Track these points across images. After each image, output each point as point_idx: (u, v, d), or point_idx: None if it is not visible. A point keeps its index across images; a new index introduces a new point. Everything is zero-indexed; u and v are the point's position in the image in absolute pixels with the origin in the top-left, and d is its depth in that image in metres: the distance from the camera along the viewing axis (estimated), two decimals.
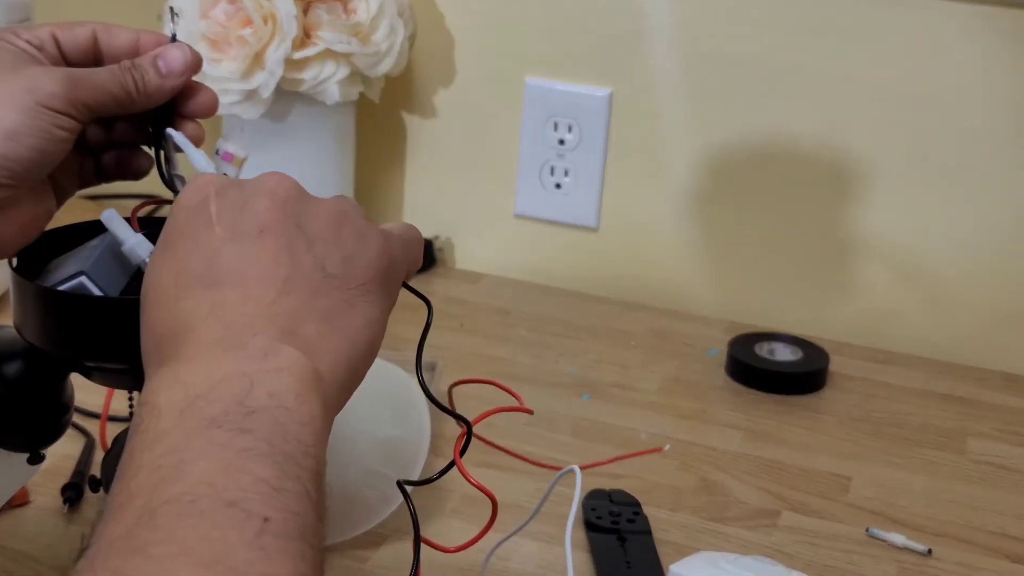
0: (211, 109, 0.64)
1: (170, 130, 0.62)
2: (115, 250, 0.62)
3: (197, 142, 0.64)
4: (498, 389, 0.66)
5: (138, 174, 0.65)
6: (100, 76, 0.60)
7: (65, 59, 0.62)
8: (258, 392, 0.45)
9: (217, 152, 0.64)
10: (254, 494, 0.41)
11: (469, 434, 0.60)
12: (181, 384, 0.46)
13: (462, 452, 0.60)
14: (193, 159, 0.62)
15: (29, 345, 0.64)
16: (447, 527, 0.81)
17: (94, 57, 0.62)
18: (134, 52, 0.62)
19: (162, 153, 0.63)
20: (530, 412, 0.66)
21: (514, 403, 0.65)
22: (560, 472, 0.69)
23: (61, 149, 0.59)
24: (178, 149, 0.63)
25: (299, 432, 0.45)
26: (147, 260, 0.61)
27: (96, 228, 0.65)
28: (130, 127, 0.64)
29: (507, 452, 0.88)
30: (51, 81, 0.58)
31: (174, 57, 0.61)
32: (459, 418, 0.61)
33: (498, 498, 0.62)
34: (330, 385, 0.48)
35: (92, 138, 0.65)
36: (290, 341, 0.48)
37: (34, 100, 0.57)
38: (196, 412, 0.44)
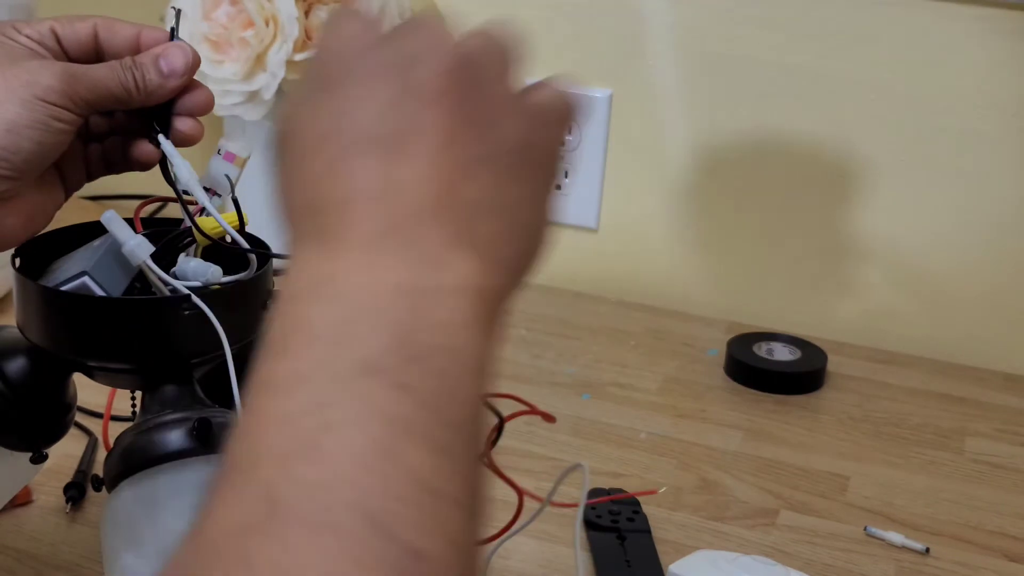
0: (207, 106, 0.63)
1: (161, 137, 0.62)
2: (117, 250, 0.62)
3: (194, 140, 0.64)
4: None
5: (145, 164, 0.65)
6: (99, 72, 0.60)
7: (65, 53, 0.62)
8: (425, 322, 0.38)
9: (219, 151, 0.64)
10: (405, 507, 0.33)
11: (501, 428, 0.60)
12: (339, 298, 0.38)
13: (493, 444, 0.59)
14: (177, 168, 0.62)
15: (32, 345, 0.64)
16: None
17: (95, 52, 0.62)
18: (135, 48, 0.62)
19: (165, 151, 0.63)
20: (552, 420, 0.66)
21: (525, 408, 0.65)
22: (567, 469, 0.69)
23: (60, 141, 0.59)
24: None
25: (466, 385, 0.38)
26: (147, 261, 0.61)
27: (98, 228, 0.65)
28: (133, 116, 0.64)
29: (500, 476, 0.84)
30: (49, 75, 0.58)
31: (175, 57, 0.61)
32: (492, 410, 0.60)
33: (497, 497, 0.62)
34: (498, 296, 0.42)
35: (95, 127, 0.65)
36: (468, 242, 0.41)
37: (32, 94, 0.58)
38: (351, 346, 0.37)
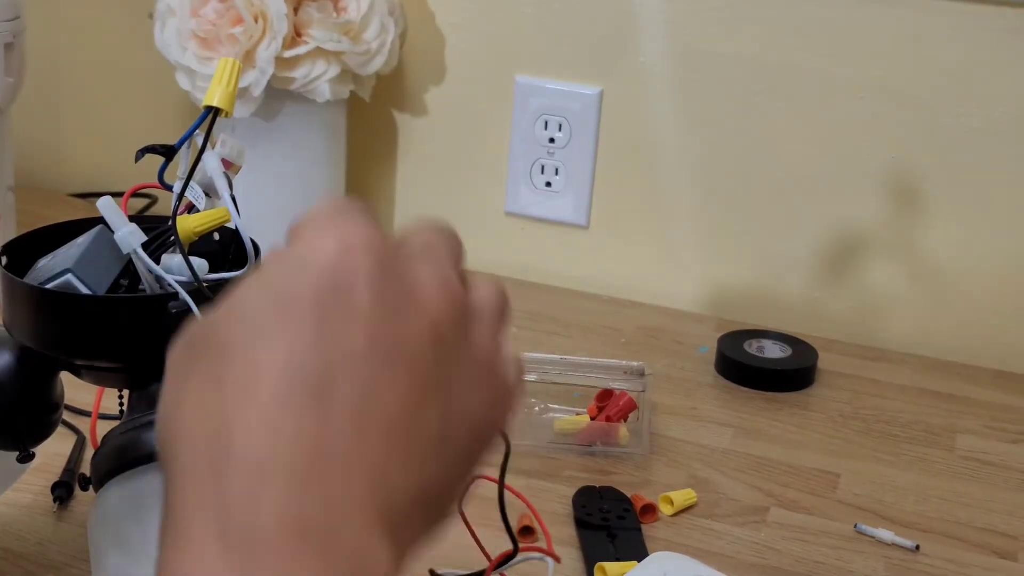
0: None
1: (212, 163, 0.62)
2: (102, 245, 0.62)
3: None
4: None
5: None
6: None
7: None
8: None
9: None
10: None
11: (508, 452, 0.61)
12: None
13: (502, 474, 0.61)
14: (205, 158, 0.62)
15: (18, 343, 0.64)
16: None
17: None
18: None
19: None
20: (558, 559, 0.70)
21: None
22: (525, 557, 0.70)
23: None
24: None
25: None
26: (138, 250, 0.61)
27: (85, 226, 0.65)
28: None
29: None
30: None
31: None
32: (512, 536, 0.62)
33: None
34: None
35: None
36: (386, 535, 0.35)
37: None
38: None
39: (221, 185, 0.62)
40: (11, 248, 0.65)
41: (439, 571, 0.71)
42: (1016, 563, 0.83)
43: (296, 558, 0.33)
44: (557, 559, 0.70)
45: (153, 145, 0.63)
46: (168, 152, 0.62)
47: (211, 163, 0.62)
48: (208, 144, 0.62)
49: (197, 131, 0.62)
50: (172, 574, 0.33)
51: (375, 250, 0.37)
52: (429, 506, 0.37)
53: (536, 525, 0.82)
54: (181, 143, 0.62)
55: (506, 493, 0.64)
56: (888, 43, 1.10)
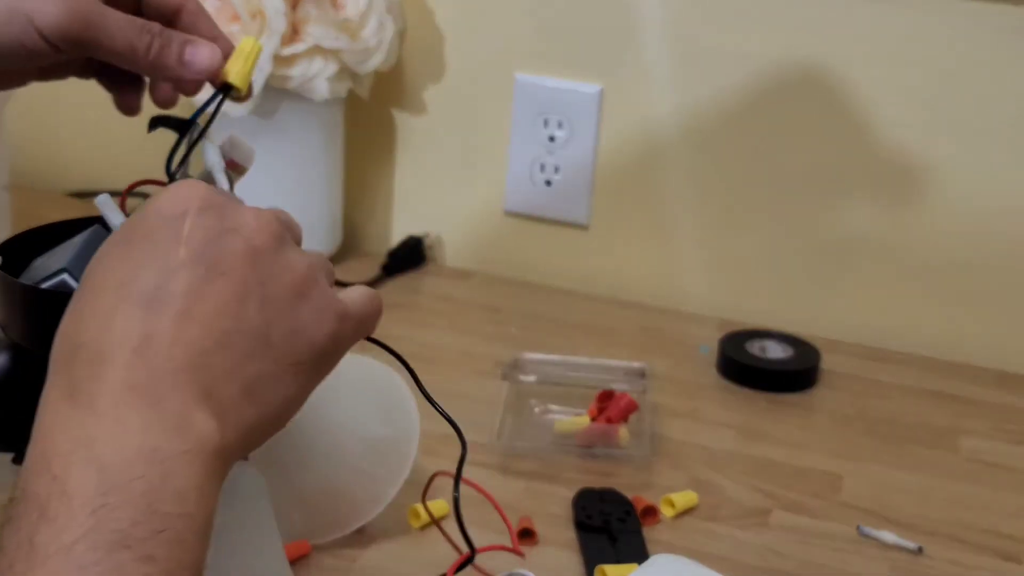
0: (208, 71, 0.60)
1: (209, 144, 0.61)
2: (99, 245, 0.61)
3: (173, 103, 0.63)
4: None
5: (127, 110, 0.63)
6: (115, 22, 0.57)
7: None
8: (167, 491, 0.44)
9: (223, 157, 0.63)
10: None
11: (471, 558, 0.62)
12: (95, 463, 0.43)
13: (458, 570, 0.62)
14: (206, 151, 0.61)
15: (14, 344, 0.63)
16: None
17: (137, 6, 0.60)
18: (175, 14, 0.60)
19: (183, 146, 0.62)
20: (522, 555, 0.69)
21: None
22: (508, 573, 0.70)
23: (26, 59, 0.57)
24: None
25: (195, 547, 0.44)
26: None
27: (81, 225, 0.64)
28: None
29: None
30: (55, 4, 0.55)
31: (202, 54, 0.59)
32: (467, 540, 0.63)
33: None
34: (229, 457, 0.47)
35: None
36: (206, 403, 0.46)
37: (27, 13, 0.55)
38: (108, 517, 0.42)
39: (220, 179, 0.61)
40: (7, 248, 0.64)
41: None
42: (1020, 565, 0.83)
43: (126, 409, 0.44)
44: (521, 554, 0.69)
45: (167, 116, 0.62)
46: (181, 126, 0.61)
47: (211, 158, 0.61)
48: (208, 133, 0.61)
49: (207, 112, 0.61)
50: (35, 428, 0.46)
51: (202, 196, 0.49)
52: (255, 397, 0.48)
53: (534, 528, 0.81)
54: (194, 118, 0.61)
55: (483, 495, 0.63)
56: (888, 43, 1.10)
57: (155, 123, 0.62)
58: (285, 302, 0.49)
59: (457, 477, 0.63)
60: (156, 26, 0.58)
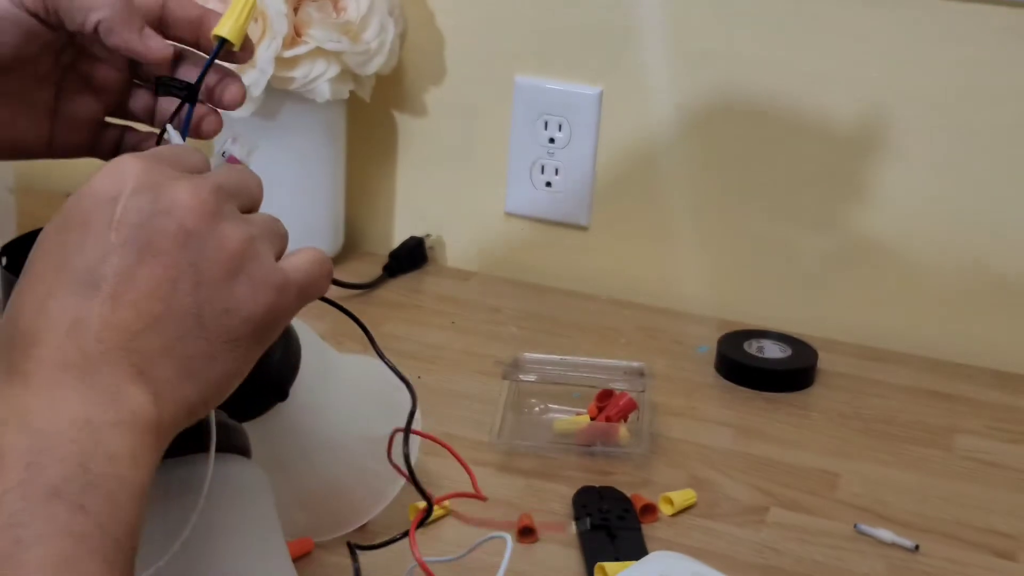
0: (238, 101, 0.62)
1: (169, 127, 0.61)
2: None
3: (212, 135, 0.63)
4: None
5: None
6: None
7: None
8: (99, 453, 0.45)
9: (223, 154, 0.64)
10: None
11: (429, 511, 0.61)
12: (28, 430, 0.45)
13: (420, 524, 0.62)
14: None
15: None
16: None
17: (158, 21, 0.61)
18: (197, 28, 0.61)
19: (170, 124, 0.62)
20: (484, 499, 0.69)
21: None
22: (485, 538, 0.69)
23: (15, 44, 0.58)
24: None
25: (128, 507, 0.45)
26: None
27: None
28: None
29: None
30: None
31: (159, 41, 0.59)
32: (422, 493, 0.62)
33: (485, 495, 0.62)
34: (166, 430, 0.48)
35: (106, 78, 0.64)
36: (140, 381, 0.47)
37: None
38: (40, 473, 0.44)
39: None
40: (11, 249, 0.65)
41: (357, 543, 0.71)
42: (1016, 563, 0.83)
43: (60, 386, 0.46)
44: (483, 498, 0.69)
45: (172, 78, 0.62)
46: (187, 90, 0.62)
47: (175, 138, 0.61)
48: (177, 120, 0.62)
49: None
50: None
51: (136, 175, 0.49)
52: (192, 375, 0.49)
53: (535, 525, 0.82)
54: (199, 82, 0.62)
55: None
56: (888, 43, 1.10)
57: (160, 84, 0.63)
58: (218, 281, 0.49)
59: (407, 431, 0.63)
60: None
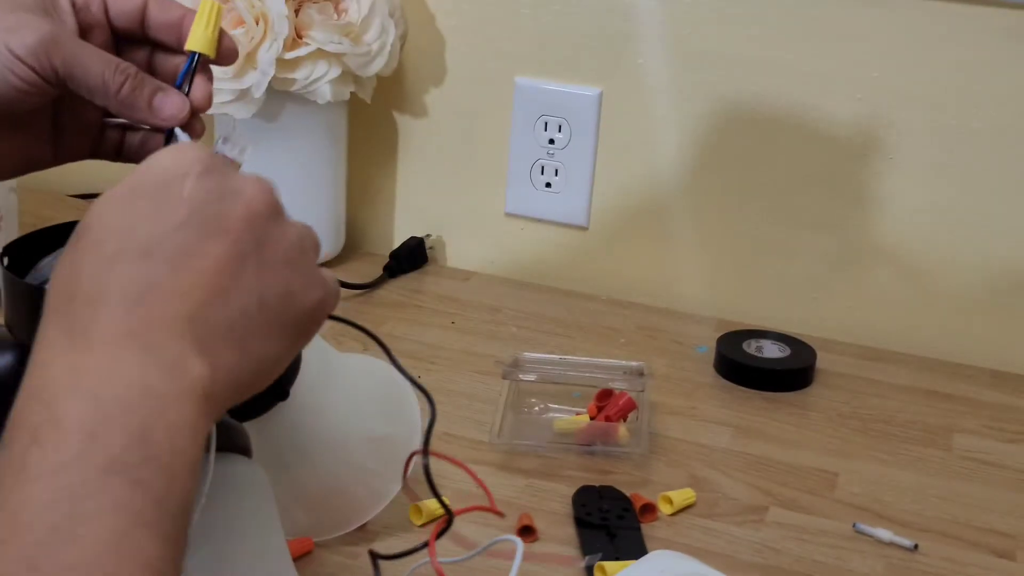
0: (195, 135, 0.63)
1: (179, 131, 0.62)
2: None
3: (196, 137, 0.64)
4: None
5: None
6: (89, 56, 0.59)
7: (110, 22, 0.62)
8: (160, 424, 0.45)
9: (216, 154, 0.64)
10: None
11: (449, 522, 0.62)
12: (87, 396, 0.44)
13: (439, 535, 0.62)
14: None
15: (19, 344, 0.64)
16: None
17: (141, 25, 0.62)
18: (177, 32, 0.62)
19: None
20: (501, 515, 0.69)
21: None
22: (495, 540, 0.69)
23: (19, 98, 0.59)
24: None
25: (184, 480, 0.45)
26: None
27: None
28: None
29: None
30: (31, 32, 0.58)
31: (171, 104, 0.61)
32: (442, 504, 0.62)
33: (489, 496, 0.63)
34: (218, 406, 0.48)
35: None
36: (201, 354, 0.47)
37: (3, 42, 0.57)
38: (99, 444, 0.43)
39: None
40: (12, 249, 0.65)
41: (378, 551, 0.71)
42: (1014, 562, 0.83)
43: (122, 351, 0.46)
44: (500, 514, 0.70)
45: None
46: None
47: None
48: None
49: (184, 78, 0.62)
50: (30, 363, 0.47)
51: (203, 160, 0.51)
52: (247, 353, 0.49)
53: (535, 524, 0.82)
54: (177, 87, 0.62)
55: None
56: (888, 43, 1.10)
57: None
58: (280, 266, 0.51)
59: (426, 443, 0.63)
60: (132, 68, 0.60)
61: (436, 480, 0.61)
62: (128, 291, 0.47)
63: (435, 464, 0.74)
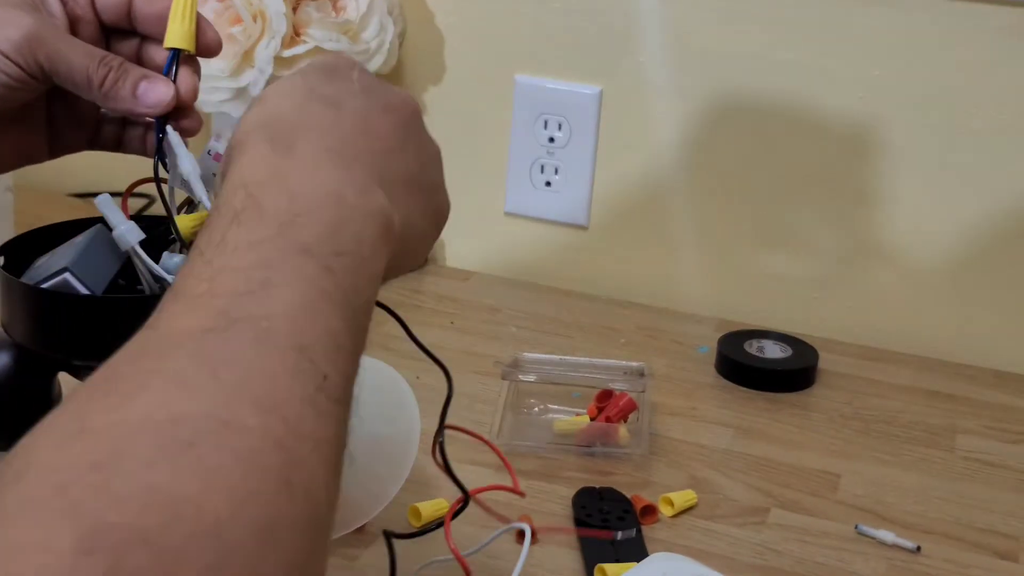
0: (190, 133, 0.63)
1: (169, 128, 0.62)
2: (101, 245, 0.62)
3: (193, 133, 0.63)
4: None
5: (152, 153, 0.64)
6: (71, 49, 0.59)
7: (97, 15, 0.62)
8: (348, 231, 0.48)
9: (209, 152, 0.64)
10: (322, 346, 0.43)
11: (465, 502, 0.61)
12: (288, 192, 0.47)
13: (455, 515, 0.63)
14: (180, 160, 0.62)
15: (16, 344, 0.63)
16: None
17: (127, 17, 0.62)
18: (164, 22, 0.62)
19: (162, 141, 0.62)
20: (522, 494, 0.67)
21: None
22: (505, 528, 0.69)
23: (7, 94, 0.59)
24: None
25: (367, 286, 0.48)
26: (136, 247, 0.61)
27: (83, 225, 0.65)
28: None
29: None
30: (15, 28, 0.58)
31: (156, 92, 0.61)
32: (458, 485, 0.63)
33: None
34: (391, 249, 0.51)
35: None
36: (384, 191, 0.51)
37: None
38: (294, 231, 0.46)
39: (198, 188, 0.62)
40: (9, 248, 0.65)
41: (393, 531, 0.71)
42: (1017, 564, 0.83)
43: (321, 162, 0.50)
44: (521, 493, 0.70)
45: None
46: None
47: (186, 166, 0.61)
48: (181, 148, 0.62)
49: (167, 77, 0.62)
50: (232, 167, 0.50)
51: (359, 66, 0.56)
52: (412, 209, 0.54)
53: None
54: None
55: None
56: (888, 43, 1.10)
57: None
58: (433, 160, 0.57)
59: (442, 419, 0.63)
60: (116, 59, 0.60)
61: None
62: (324, 124, 0.51)
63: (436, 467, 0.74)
